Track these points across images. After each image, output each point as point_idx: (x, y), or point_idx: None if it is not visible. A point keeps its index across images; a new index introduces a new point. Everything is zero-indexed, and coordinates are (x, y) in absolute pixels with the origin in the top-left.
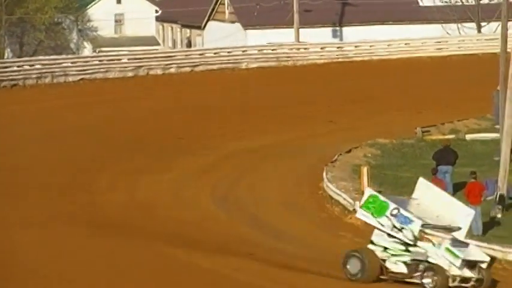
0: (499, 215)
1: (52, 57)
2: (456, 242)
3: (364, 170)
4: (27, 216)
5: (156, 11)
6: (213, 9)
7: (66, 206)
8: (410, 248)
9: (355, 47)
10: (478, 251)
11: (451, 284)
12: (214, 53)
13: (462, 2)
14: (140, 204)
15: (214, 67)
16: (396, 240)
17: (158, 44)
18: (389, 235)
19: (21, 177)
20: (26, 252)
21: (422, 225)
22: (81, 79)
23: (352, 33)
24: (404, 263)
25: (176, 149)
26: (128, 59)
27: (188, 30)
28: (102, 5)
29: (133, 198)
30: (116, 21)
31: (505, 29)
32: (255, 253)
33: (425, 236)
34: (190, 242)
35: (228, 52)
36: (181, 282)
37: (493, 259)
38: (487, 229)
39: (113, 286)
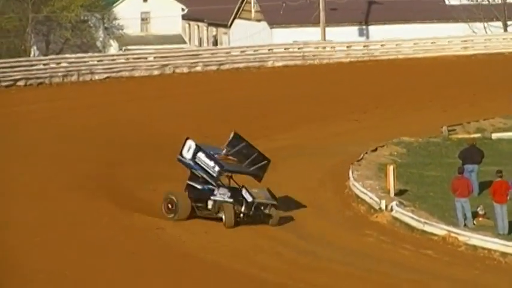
0: None
1: (78, 55)
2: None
3: (390, 168)
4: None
5: (183, 9)
6: (239, 8)
7: (87, 203)
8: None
9: (381, 45)
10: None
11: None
12: (241, 52)
13: (488, 1)
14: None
15: (240, 65)
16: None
17: (184, 42)
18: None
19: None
20: None
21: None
22: (107, 77)
23: (378, 32)
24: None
25: None
26: (154, 58)
27: (214, 29)
28: (128, 3)
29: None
30: (142, 19)
31: None
32: (281, 252)
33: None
34: (213, 242)
35: (254, 50)
36: (209, 283)
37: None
38: None
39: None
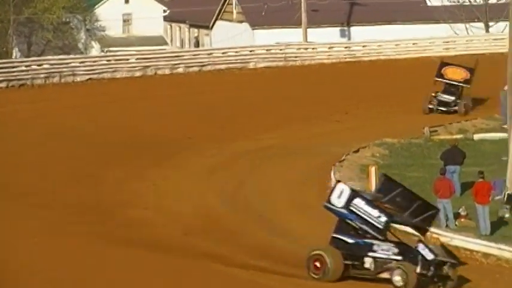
0: (507, 215)
1: (60, 57)
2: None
3: (372, 169)
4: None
5: (164, 11)
6: (221, 9)
7: (73, 203)
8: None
9: (363, 46)
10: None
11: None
12: (222, 53)
13: (470, 2)
14: (149, 203)
15: (222, 67)
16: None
17: (166, 43)
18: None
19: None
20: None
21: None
22: (89, 79)
23: (360, 33)
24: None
25: (184, 148)
26: (136, 59)
27: (196, 30)
28: (110, 5)
29: (140, 197)
30: (124, 20)
31: None
32: (266, 252)
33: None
34: (200, 245)
35: (236, 52)
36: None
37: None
38: (494, 229)
39: None
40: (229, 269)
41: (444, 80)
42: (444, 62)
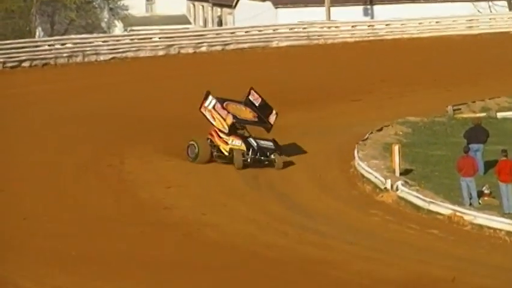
0: None
1: (83, 36)
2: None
3: (396, 148)
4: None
5: None
6: None
7: (95, 183)
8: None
9: (386, 25)
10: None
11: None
12: (245, 32)
13: None
14: (170, 183)
15: (245, 46)
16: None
17: (189, 22)
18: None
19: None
20: None
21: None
22: (112, 58)
23: (383, 12)
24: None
25: (206, 128)
26: (159, 38)
27: (219, 9)
28: None
29: (162, 177)
30: (147, 0)
31: None
32: (286, 231)
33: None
34: (218, 220)
35: (259, 31)
36: (213, 260)
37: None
38: None
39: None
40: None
41: None
42: None
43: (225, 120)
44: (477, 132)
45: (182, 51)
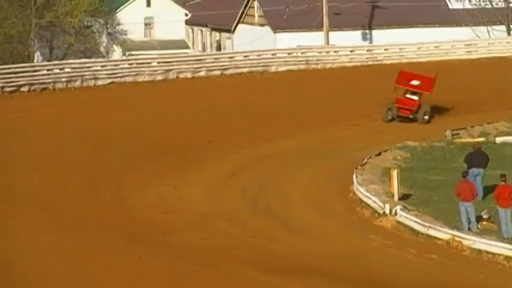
0: None
1: (82, 60)
2: None
3: (394, 173)
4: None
5: (186, 15)
6: (242, 13)
7: (94, 208)
8: None
9: (385, 49)
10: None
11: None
12: (244, 56)
13: (491, 5)
14: (169, 208)
15: (244, 70)
16: None
17: (188, 47)
18: None
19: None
20: None
21: None
22: (111, 82)
23: (382, 36)
24: None
25: (205, 152)
26: (158, 63)
27: (218, 34)
28: (131, 9)
29: (162, 200)
30: (145, 24)
31: None
32: (286, 256)
33: None
34: (217, 245)
35: (258, 55)
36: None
37: None
38: None
39: None
40: (248, 273)
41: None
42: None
43: None
44: (478, 157)
45: (181, 75)
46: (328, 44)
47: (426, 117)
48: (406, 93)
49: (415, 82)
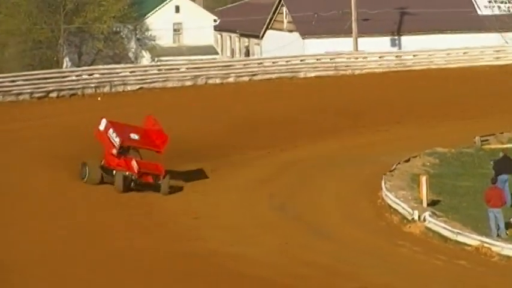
0: None
1: (110, 66)
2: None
3: (423, 179)
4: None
5: (215, 20)
6: (271, 19)
7: (116, 216)
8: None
9: (414, 56)
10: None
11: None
12: (273, 62)
13: None
14: (198, 213)
15: (273, 76)
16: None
17: (216, 53)
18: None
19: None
20: None
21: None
22: (140, 88)
23: (411, 42)
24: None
25: (234, 158)
26: (187, 68)
27: (246, 39)
28: (160, 14)
29: (190, 208)
30: (174, 30)
31: None
32: (316, 262)
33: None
34: (246, 251)
35: (286, 61)
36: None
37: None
38: None
39: None
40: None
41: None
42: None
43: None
44: (507, 163)
45: (209, 81)
46: (357, 50)
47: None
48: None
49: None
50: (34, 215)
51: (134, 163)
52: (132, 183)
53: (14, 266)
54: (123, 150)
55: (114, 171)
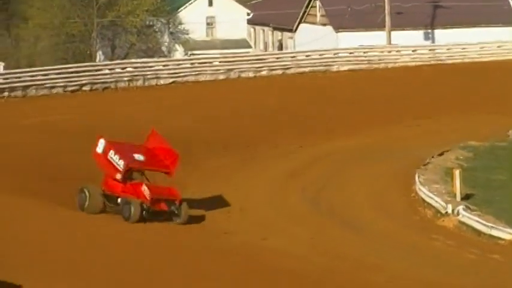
0: None
1: (144, 60)
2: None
3: (457, 172)
4: None
5: (248, 14)
6: (304, 12)
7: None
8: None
9: (447, 49)
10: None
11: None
12: (306, 56)
13: None
14: (231, 207)
15: (306, 70)
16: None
17: (250, 46)
18: None
19: None
20: None
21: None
22: (173, 82)
23: (444, 36)
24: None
25: (266, 151)
26: (220, 62)
27: (280, 33)
28: (193, 8)
29: (223, 200)
30: (207, 24)
31: None
32: (347, 256)
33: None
34: (278, 245)
35: (320, 55)
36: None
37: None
38: None
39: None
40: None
41: None
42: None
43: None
44: None
45: (242, 75)
46: (390, 43)
47: None
48: None
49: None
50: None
51: (145, 188)
52: (144, 212)
53: None
54: (128, 174)
55: (119, 199)
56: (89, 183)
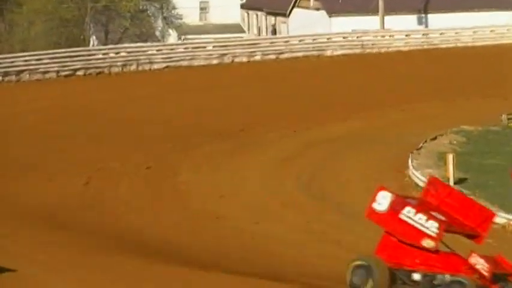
0: None
1: (137, 44)
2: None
3: (450, 157)
4: None
5: None
6: None
7: (147, 193)
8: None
9: (440, 34)
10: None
11: None
12: (299, 41)
13: None
14: (223, 192)
15: (299, 54)
16: None
17: (243, 31)
18: None
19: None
20: None
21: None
22: (166, 67)
23: (437, 21)
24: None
25: (259, 137)
26: (213, 47)
27: (273, 18)
28: None
29: (215, 187)
30: (201, 8)
31: None
32: (340, 241)
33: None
34: (271, 229)
35: (313, 39)
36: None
37: None
38: None
39: None
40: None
41: None
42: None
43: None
44: None
45: (236, 60)
46: (383, 28)
47: None
48: None
49: None
50: None
51: (479, 260)
52: None
53: None
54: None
55: (414, 275)
56: (369, 255)
